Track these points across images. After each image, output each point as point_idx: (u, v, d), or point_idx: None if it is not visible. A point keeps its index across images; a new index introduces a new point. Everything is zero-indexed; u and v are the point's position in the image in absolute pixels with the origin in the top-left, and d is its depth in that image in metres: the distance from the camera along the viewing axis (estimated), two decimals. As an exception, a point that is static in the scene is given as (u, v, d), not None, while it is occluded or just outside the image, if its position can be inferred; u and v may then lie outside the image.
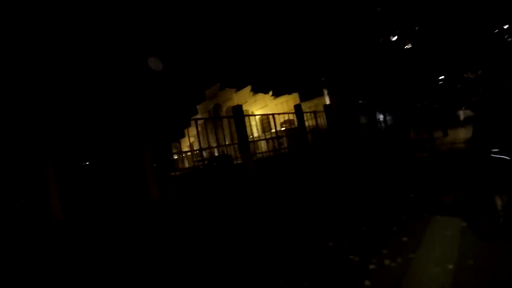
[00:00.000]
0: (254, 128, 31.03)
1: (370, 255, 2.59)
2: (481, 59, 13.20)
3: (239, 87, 34.37)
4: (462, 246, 2.49)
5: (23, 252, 2.60)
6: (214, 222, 3.95)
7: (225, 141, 8.55)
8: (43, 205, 2.84)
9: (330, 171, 6.62)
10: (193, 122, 36.06)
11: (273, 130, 25.38)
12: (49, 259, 2.64)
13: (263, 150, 16.50)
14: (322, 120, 7.57)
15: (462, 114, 22.51)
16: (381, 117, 11.20)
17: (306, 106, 18.52)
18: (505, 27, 11.40)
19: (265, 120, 28.46)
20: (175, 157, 29.71)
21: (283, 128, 22.52)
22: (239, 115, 5.04)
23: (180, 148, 32.40)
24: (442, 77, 16.56)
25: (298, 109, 6.72)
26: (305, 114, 6.90)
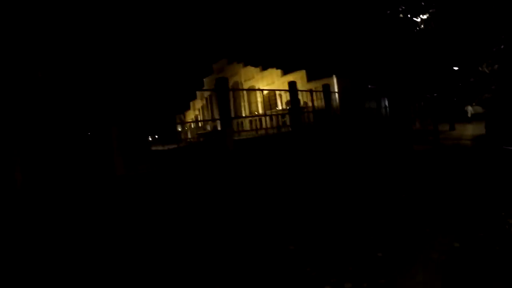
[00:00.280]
0: (260, 105, 30.76)
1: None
2: (499, 52, 12.68)
3: (246, 63, 33.70)
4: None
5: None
6: (182, 203, 3.70)
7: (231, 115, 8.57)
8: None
9: (316, 155, 6.09)
10: (198, 95, 35.82)
11: (279, 108, 25.16)
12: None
13: (268, 127, 16.56)
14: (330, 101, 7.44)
15: (470, 110, 22.05)
16: (386, 103, 11.07)
17: (313, 86, 18.25)
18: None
19: (272, 97, 28.14)
20: (179, 129, 29.89)
21: (289, 107, 22.36)
22: (222, 88, 4.60)
23: (184, 120, 32.48)
24: (456, 68, 16.05)
25: (292, 86, 6.26)
26: (314, 94, 6.86)
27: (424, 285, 1.68)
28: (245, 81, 31.09)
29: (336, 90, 21.26)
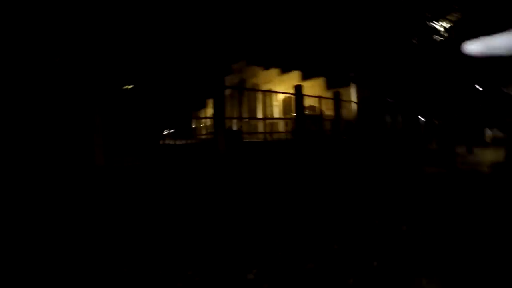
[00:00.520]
0: (276, 109, 30.84)
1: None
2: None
3: (266, 67, 34.01)
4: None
5: None
6: (162, 199, 3.24)
7: (241, 115, 8.71)
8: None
9: (312, 170, 5.35)
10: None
11: (293, 114, 25.19)
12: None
13: (280, 131, 16.60)
14: (346, 111, 7.47)
15: (489, 133, 20.88)
16: (402, 119, 10.88)
17: (332, 94, 18.15)
18: None
19: (288, 102, 28.15)
20: (194, 125, 30.43)
21: (306, 112, 22.34)
22: (219, 87, 4.52)
23: (199, 117, 33.03)
24: (479, 88, 15.52)
25: (297, 90, 5.94)
26: (326, 101, 6.84)
27: None
28: (263, 83, 31.30)
29: (354, 99, 21.04)
